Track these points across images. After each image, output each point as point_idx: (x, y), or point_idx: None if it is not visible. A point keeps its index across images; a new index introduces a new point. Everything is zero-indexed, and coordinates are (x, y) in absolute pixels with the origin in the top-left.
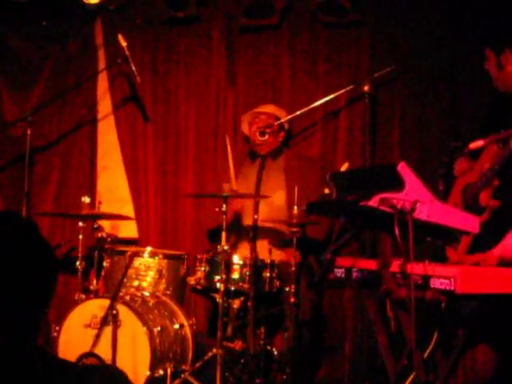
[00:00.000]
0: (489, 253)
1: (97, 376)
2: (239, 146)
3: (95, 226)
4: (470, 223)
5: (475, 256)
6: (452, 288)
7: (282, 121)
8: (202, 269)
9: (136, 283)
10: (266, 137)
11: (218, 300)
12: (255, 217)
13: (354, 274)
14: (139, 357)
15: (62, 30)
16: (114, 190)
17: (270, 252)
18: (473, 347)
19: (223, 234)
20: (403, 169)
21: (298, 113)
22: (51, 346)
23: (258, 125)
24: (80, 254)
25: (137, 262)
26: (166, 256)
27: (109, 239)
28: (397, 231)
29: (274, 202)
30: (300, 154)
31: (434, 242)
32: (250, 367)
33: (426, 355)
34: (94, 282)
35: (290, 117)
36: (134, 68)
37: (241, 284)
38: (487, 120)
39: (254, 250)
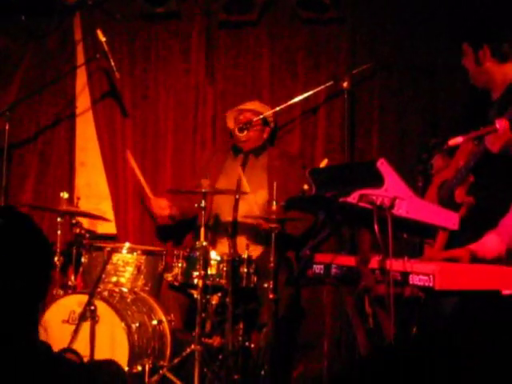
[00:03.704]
0: (462, 250)
1: (105, 373)
2: (218, 142)
3: (73, 221)
4: (450, 220)
5: (449, 252)
6: (431, 284)
7: (259, 117)
8: (180, 265)
9: (114, 279)
10: (245, 133)
11: (195, 296)
12: (235, 214)
13: (333, 271)
14: (117, 353)
15: (40, 25)
16: (92, 186)
17: (248, 247)
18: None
19: (202, 231)
20: (382, 165)
21: (278, 109)
22: None
23: (241, 121)
24: (58, 250)
25: (115, 257)
26: (144, 252)
27: (87, 235)
28: (376, 227)
29: (256, 201)
30: (282, 152)
31: (412, 238)
32: (228, 363)
33: None
34: (72, 277)
35: (268, 113)
36: (112, 63)
37: (218, 280)
38: (465, 116)
39: (233, 246)
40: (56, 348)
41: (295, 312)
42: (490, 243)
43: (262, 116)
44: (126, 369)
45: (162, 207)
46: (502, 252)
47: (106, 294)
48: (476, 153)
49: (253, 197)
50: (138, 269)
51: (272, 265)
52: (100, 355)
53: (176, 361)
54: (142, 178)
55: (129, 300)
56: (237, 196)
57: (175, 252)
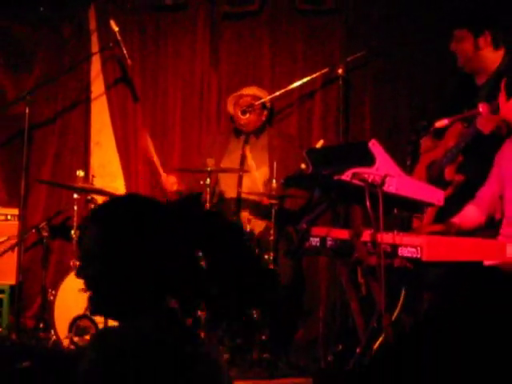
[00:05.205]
0: (445, 224)
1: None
2: (222, 124)
3: (88, 197)
4: (435, 196)
5: (432, 226)
6: (418, 256)
7: (261, 101)
8: None
9: None
10: (247, 115)
11: None
12: (239, 190)
13: (329, 243)
14: None
15: (58, 16)
16: (106, 165)
17: (249, 222)
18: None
19: (207, 207)
20: (374, 145)
21: (277, 94)
22: (48, 310)
23: (241, 105)
24: (75, 224)
25: None
26: None
27: None
28: (368, 203)
29: (258, 178)
30: (281, 132)
31: (402, 213)
32: (231, 328)
33: (393, 318)
34: None
35: (269, 97)
36: (125, 51)
37: None
38: (451, 100)
39: (237, 220)
40: (72, 315)
41: (295, 282)
42: (470, 214)
43: (262, 100)
44: None
45: (172, 183)
46: (481, 222)
47: None
48: (467, 134)
49: (255, 174)
50: None
51: (272, 238)
52: (112, 321)
53: None
54: (155, 156)
55: None
56: (240, 173)
57: None
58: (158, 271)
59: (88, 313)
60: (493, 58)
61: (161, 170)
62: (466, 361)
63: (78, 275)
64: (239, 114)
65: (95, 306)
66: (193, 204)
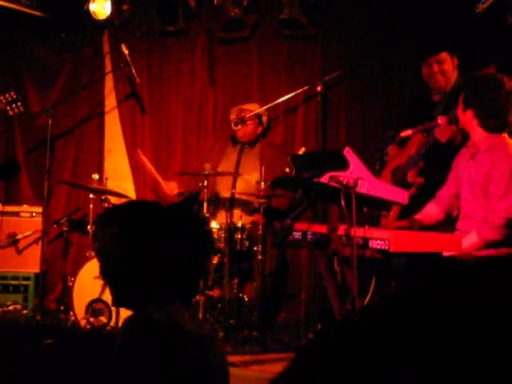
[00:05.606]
0: (409, 220)
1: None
2: (218, 133)
3: (103, 197)
4: (401, 196)
5: (399, 222)
6: (386, 248)
7: (249, 115)
8: None
9: None
10: (239, 127)
11: None
12: (233, 191)
13: (309, 236)
14: None
15: (76, 41)
16: (117, 169)
17: (241, 218)
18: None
19: (204, 205)
20: (348, 153)
21: (265, 108)
22: (67, 294)
23: (237, 117)
24: (91, 220)
25: None
26: None
27: None
28: (343, 202)
29: (251, 181)
30: (272, 144)
31: (372, 211)
32: (225, 310)
33: (365, 302)
34: None
35: (257, 111)
36: (134, 71)
37: (217, 244)
38: (414, 114)
39: (230, 216)
40: (88, 298)
41: (281, 269)
42: (431, 211)
43: (251, 113)
44: None
45: (172, 188)
46: (440, 218)
47: None
48: (426, 143)
49: (249, 178)
50: None
51: (260, 232)
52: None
53: None
54: (153, 169)
55: None
56: (235, 176)
57: None
58: (167, 271)
59: (102, 297)
60: (454, 76)
61: (160, 179)
62: (423, 335)
63: (100, 273)
64: (232, 125)
65: (115, 299)
66: (188, 208)
